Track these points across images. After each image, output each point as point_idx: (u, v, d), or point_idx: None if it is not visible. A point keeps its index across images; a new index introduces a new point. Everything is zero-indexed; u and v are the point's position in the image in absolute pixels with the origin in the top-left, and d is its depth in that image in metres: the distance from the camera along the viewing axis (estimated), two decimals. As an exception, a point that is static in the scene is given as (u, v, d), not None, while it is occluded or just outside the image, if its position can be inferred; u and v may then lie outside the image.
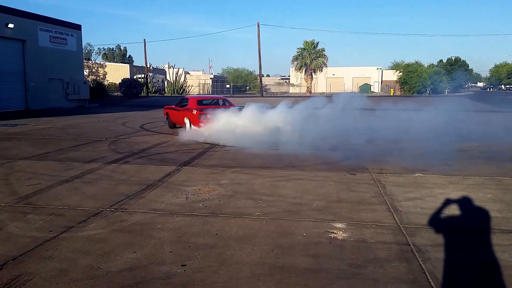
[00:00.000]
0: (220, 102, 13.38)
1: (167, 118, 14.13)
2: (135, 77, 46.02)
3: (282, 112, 11.31)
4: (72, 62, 26.33)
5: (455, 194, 5.44)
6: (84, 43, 33.60)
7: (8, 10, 21.43)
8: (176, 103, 13.80)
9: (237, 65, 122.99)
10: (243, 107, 11.80)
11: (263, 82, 49.21)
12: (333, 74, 58.88)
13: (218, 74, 69.93)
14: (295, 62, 49.87)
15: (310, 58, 48.14)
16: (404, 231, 4.15)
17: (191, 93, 49.35)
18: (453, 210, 4.87)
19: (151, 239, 3.97)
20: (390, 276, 3.20)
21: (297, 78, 56.97)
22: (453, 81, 52.62)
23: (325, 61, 48.83)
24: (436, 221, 4.48)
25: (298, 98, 16.63)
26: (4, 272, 3.27)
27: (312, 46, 48.36)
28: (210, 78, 59.97)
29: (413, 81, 48.52)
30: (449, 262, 3.47)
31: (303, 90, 53.90)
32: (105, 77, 45.50)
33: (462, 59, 69.03)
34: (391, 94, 48.54)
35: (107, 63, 51.08)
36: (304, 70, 49.55)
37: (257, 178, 6.50)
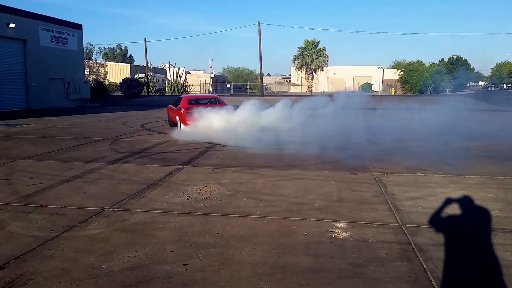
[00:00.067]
0: (212, 101, 13.49)
1: (168, 118, 14.27)
2: (135, 76, 46.04)
3: (274, 111, 11.38)
4: (73, 61, 26.35)
5: (457, 194, 5.44)
6: (85, 43, 33.64)
7: (9, 10, 21.45)
8: (172, 102, 13.97)
9: (237, 64, 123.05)
10: (238, 106, 11.92)
11: (263, 82, 49.18)
12: (334, 73, 58.80)
13: (218, 74, 69.94)
14: (296, 61, 49.86)
15: (311, 57, 48.10)
16: (405, 231, 4.15)
17: (192, 92, 49.33)
18: (455, 209, 4.87)
19: (153, 238, 3.98)
20: (392, 276, 3.20)
21: (297, 77, 56.94)
22: (455, 80, 52.56)
23: (326, 60, 48.81)
24: (438, 221, 4.48)
25: (298, 97, 16.61)
26: (6, 271, 3.28)
27: (313, 45, 48.33)
28: (211, 78, 59.98)
29: (414, 80, 48.45)
30: (450, 261, 3.47)
31: (304, 89, 53.86)
32: (106, 77, 45.50)
33: (463, 58, 68.94)
34: (392, 94, 48.50)
35: (107, 63, 51.08)
36: (305, 69, 49.53)
37: (258, 177, 6.50)
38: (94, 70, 44.57)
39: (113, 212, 4.74)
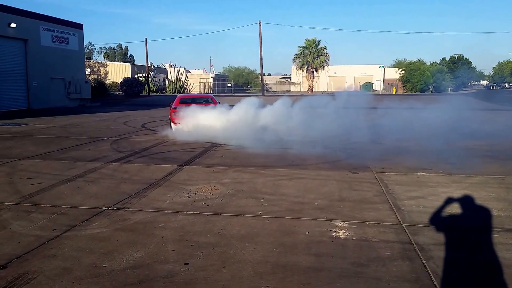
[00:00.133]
0: (204, 100, 13.58)
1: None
2: (136, 76, 46.06)
3: (270, 110, 11.38)
4: (74, 61, 26.36)
5: (458, 193, 5.43)
6: (85, 43, 33.55)
7: (10, 10, 21.46)
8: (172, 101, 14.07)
9: (238, 64, 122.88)
10: (233, 105, 12.04)
11: (264, 81, 49.14)
12: (335, 73, 58.73)
13: (219, 73, 69.91)
14: (297, 61, 49.76)
15: (312, 57, 48.01)
16: (406, 230, 4.15)
17: (192, 92, 49.33)
18: (456, 209, 4.87)
19: (154, 237, 3.98)
20: (393, 275, 3.20)
21: (298, 76, 56.84)
22: (456, 79, 52.46)
23: (326, 60, 48.70)
24: (439, 220, 4.48)
25: (298, 96, 16.58)
26: (8, 271, 3.29)
27: (314, 45, 48.24)
28: (211, 77, 59.95)
29: (415, 79, 48.38)
30: (452, 261, 3.47)
31: (305, 88, 53.81)
32: (107, 76, 45.52)
33: (465, 57, 68.75)
34: (393, 93, 48.43)
35: (108, 62, 51.10)
36: (305, 69, 49.44)
37: (259, 177, 6.50)
38: (94, 69, 44.59)
39: (115, 212, 4.75)
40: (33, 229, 4.21)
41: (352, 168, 7.05)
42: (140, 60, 76.50)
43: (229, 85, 58.84)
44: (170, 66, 57.96)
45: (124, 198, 5.30)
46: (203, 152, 8.83)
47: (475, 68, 79.81)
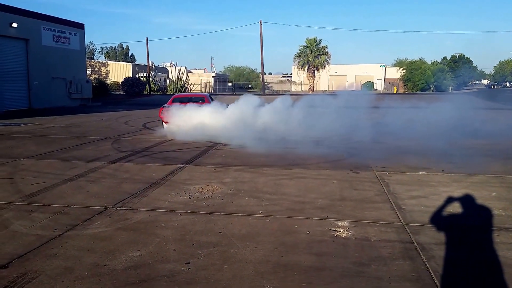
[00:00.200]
0: (196, 99, 13.61)
1: None
2: (137, 75, 46.09)
3: (268, 109, 11.40)
4: (75, 61, 26.39)
5: (459, 192, 5.43)
6: (86, 42, 33.59)
7: (12, 10, 21.49)
8: None
9: (239, 63, 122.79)
10: (227, 104, 12.14)
11: (265, 80, 49.13)
12: (336, 72, 58.65)
13: (220, 73, 69.87)
14: (298, 60, 49.70)
15: (313, 56, 47.96)
16: (408, 229, 4.15)
17: (193, 91, 49.35)
18: (457, 208, 4.86)
19: (155, 237, 3.99)
20: (394, 274, 3.20)
21: (299, 76, 56.77)
22: (457, 78, 52.35)
23: (327, 59, 48.63)
24: (440, 219, 4.47)
25: (299, 96, 16.55)
26: (10, 270, 3.30)
27: (315, 44, 48.18)
28: (212, 77, 59.95)
29: (416, 78, 48.30)
30: (453, 260, 3.47)
31: (306, 88, 53.76)
32: (108, 76, 45.62)
33: (466, 56, 68.63)
34: (395, 92, 48.36)
35: (109, 62, 51.18)
36: (306, 68, 49.39)
37: (260, 176, 6.50)
38: (96, 69, 44.67)
39: (116, 211, 4.76)
40: (35, 229, 4.22)
41: (353, 167, 7.04)
42: (141, 60, 76.66)
43: (230, 84, 58.83)
44: (171, 66, 57.95)
45: (125, 197, 5.30)
46: (204, 152, 8.83)
47: (476, 67, 79.63)
